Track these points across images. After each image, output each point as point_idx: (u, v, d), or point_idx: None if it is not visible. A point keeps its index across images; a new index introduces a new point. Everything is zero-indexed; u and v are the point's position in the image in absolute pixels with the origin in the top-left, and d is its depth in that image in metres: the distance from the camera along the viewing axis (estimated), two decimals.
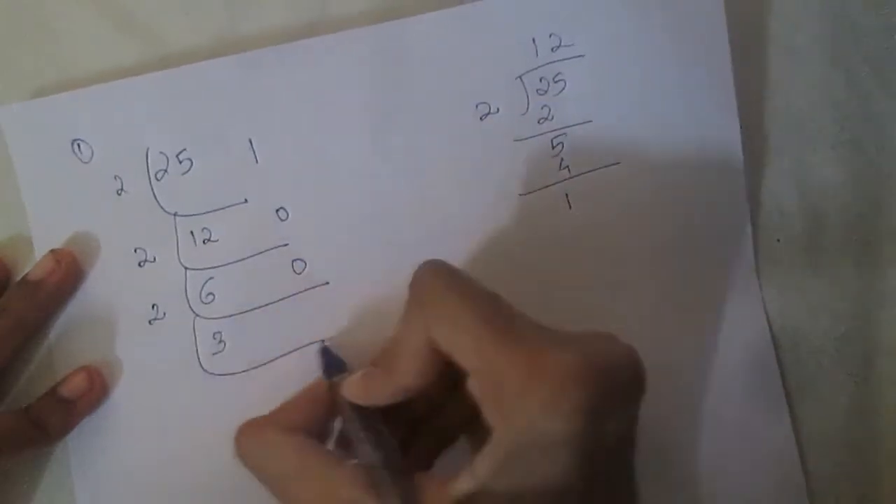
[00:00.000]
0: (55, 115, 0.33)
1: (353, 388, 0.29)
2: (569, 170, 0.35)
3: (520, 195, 0.35)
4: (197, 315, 0.34)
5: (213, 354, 0.34)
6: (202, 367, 0.34)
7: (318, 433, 0.30)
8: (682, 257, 0.36)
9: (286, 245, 0.34)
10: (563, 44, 0.35)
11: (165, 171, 0.34)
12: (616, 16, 0.35)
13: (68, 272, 0.33)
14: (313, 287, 0.34)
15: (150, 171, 0.34)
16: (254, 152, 0.34)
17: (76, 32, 0.35)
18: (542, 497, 0.24)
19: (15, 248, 0.34)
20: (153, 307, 0.34)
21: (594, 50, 0.35)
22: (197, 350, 0.34)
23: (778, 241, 0.37)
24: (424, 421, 0.32)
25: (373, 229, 0.34)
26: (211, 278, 0.34)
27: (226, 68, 0.34)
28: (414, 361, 0.27)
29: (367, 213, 0.34)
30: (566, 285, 0.35)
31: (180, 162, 0.34)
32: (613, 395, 0.25)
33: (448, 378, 0.27)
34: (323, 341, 0.34)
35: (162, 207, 0.34)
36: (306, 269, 0.34)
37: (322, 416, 0.30)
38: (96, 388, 0.33)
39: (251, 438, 0.29)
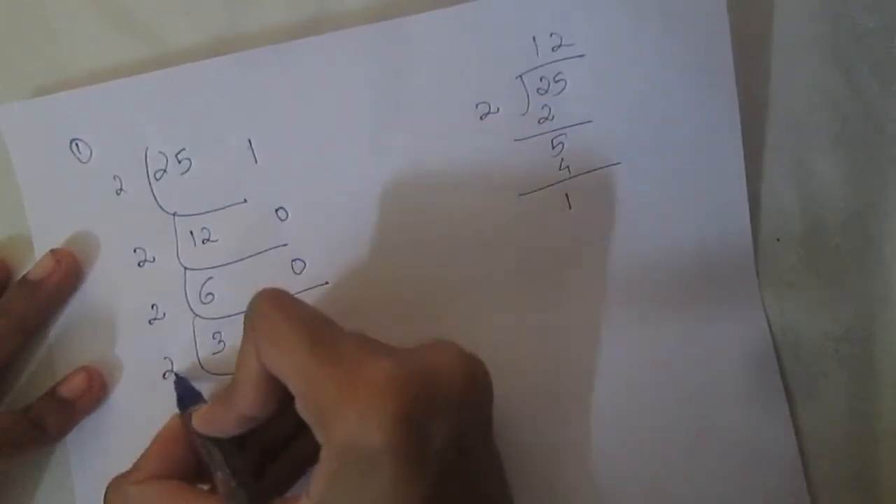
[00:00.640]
0: (54, 114, 0.33)
1: (201, 420, 0.30)
2: (569, 170, 0.35)
3: (520, 195, 0.35)
4: (196, 315, 0.34)
5: (213, 354, 0.34)
6: (202, 367, 0.34)
7: (186, 470, 0.30)
8: (682, 257, 0.36)
9: (285, 245, 0.34)
10: (563, 43, 0.35)
11: (165, 170, 0.34)
12: (617, 15, 0.35)
13: (68, 272, 0.33)
14: (313, 287, 0.34)
15: (150, 170, 0.34)
16: (253, 152, 0.34)
17: (76, 32, 0.35)
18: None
19: (15, 248, 0.34)
20: (153, 307, 0.34)
21: (595, 50, 0.35)
22: (197, 350, 0.34)
23: (778, 240, 0.37)
24: (282, 446, 0.32)
25: (372, 229, 0.34)
26: (210, 278, 0.34)
27: (225, 68, 0.34)
28: (252, 389, 0.27)
29: (367, 213, 0.34)
30: (565, 285, 0.35)
31: (179, 162, 0.34)
32: (433, 401, 0.25)
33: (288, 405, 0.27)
34: (175, 373, 0.34)
35: (161, 207, 0.34)
36: (306, 269, 0.34)
37: (185, 453, 0.30)
38: (96, 388, 0.33)
39: (115, 498, 0.29)
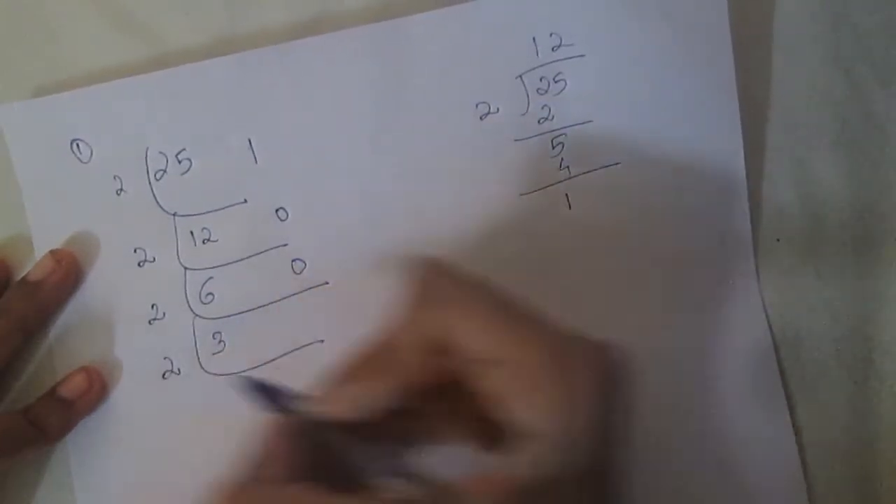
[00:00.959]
0: (55, 114, 0.33)
1: (340, 401, 0.26)
2: (569, 170, 0.35)
3: (520, 195, 0.35)
4: (196, 315, 0.34)
5: (213, 354, 0.34)
6: (202, 367, 0.34)
7: (307, 471, 0.27)
8: (682, 257, 0.36)
9: (285, 245, 0.34)
10: (563, 43, 0.35)
11: (165, 170, 0.34)
12: (617, 15, 0.35)
13: (68, 272, 0.33)
14: (313, 287, 0.34)
15: (150, 170, 0.34)
16: (253, 152, 0.34)
17: (76, 32, 0.35)
18: (572, 487, 0.24)
19: (15, 248, 0.34)
20: (153, 307, 0.34)
21: (595, 50, 0.35)
22: (197, 350, 0.34)
23: (778, 241, 0.37)
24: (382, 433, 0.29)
25: (372, 229, 0.34)
26: (210, 278, 0.34)
27: (225, 68, 0.34)
28: (416, 358, 0.26)
29: (367, 213, 0.34)
30: (566, 285, 0.35)
31: (180, 162, 0.34)
32: (622, 385, 0.26)
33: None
34: (249, 377, 0.29)
35: (161, 207, 0.34)
36: (306, 269, 0.34)
37: (299, 456, 0.27)
38: (95, 388, 0.33)
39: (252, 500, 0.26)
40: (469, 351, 0.25)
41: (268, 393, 0.28)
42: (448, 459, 0.29)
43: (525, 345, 0.25)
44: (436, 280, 0.27)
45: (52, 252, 0.33)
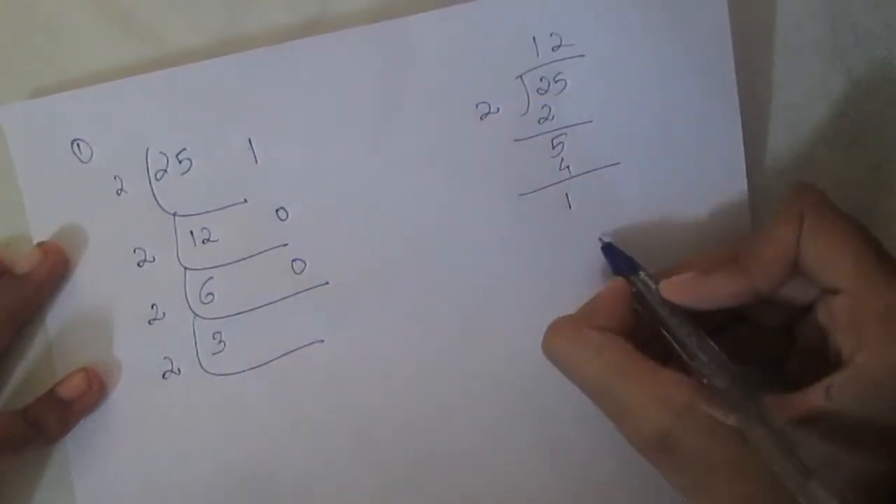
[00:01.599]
0: (55, 114, 0.33)
1: (682, 289, 0.30)
2: (569, 170, 0.35)
3: (520, 195, 0.35)
4: (196, 315, 0.34)
5: (213, 354, 0.34)
6: (202, 367, 0.34)
7: (629, 334, 0.30)
8: (682, 257, 0.36)
9: (286, 245, 0.34)
10: (563, 43, 0.35)
11: (165, 170, 0.34)
12: (617, 15, 0.35)
13: (56, 264, 0.33)
14: (313, 287, 0.34)
15: (150, 170, 0.34)
16: (253, 152, 0.34)
17: (76, 32, 0.35)
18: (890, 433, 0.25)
19: (15, 248, 0.34)
20: (153, 307, 0.34)
21: (595, 50, 0.35)
22: (197, 350, 0.34)
23: None
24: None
25: (372, 229, 0.34)
26: (210, 278, 0.34)
27: (226, 68, 0.34)
28: (777, 267, 0.28)
29: (367, 213, 0.34)
30: (565, 285, 0.35)
31: (180, 162, 0.34)
32: None
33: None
34: (601, 238, 0.35)
35: (161, 207, 0.34)
36: (306, 269, 0.34)
37: (630, 317, 0.30)
38: (94, 388, 0.33)
39: (568, 338, 0.29)
40: (821, 275, 0.27)
41: (614, 260, 0.33)
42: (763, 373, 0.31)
43: (880, 280, 0.26)
44: (820, 201, 0.28)
45: (39, 245, 0.33)
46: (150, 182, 0.34)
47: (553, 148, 0.35)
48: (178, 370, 0.34)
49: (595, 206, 0.36)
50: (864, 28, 0.38)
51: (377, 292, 0.34)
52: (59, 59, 0.35)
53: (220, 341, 0.34)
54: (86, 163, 0.34)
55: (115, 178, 0.34)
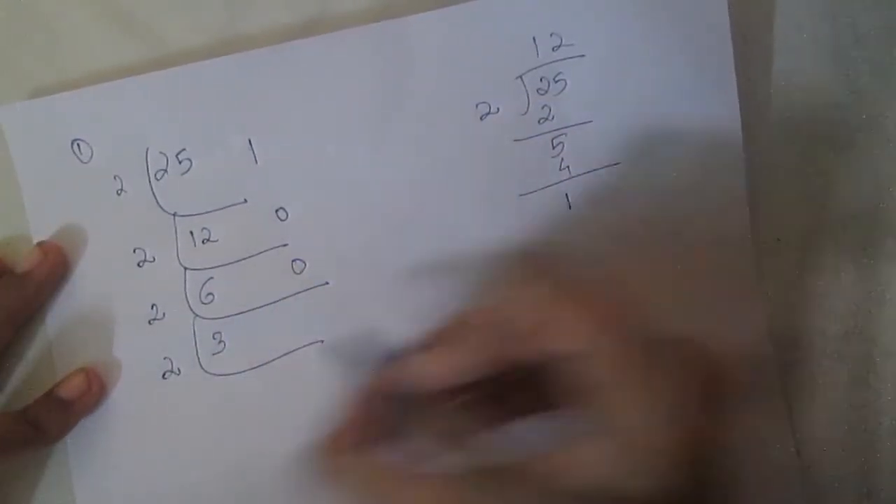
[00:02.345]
0: (55, 114, 0.33)
1: (438, 367, 0.28)
2: (569, 170, 0.35)
3: (520, 195, 0.35)
4: (196, 315, 0.34)
5: (213, 354, 0.34)
6: (202, 367, 0.34)
7: (389, 433, 0.29)
8: (682, 257, 0.36)
9: (286, 245, 0.34)
10: (563, 43, 0.35)
11: (165, 170, 0.34)
12: (617, 15, 0.35)
13: (55, 264, 0.33)
14: (313, 287, 0.34)
15: (150, 170, 0.34)
16: (253, 152, 0.34)
17: (76, 32, 0.35)
18: (649, 495, 0.24)
19: (15, 248, 0.34)
20: (152, 307, 0.34)
21: (595, 50, 0.35)
22: (197, 350, 0.34)
23: (778, 240, 0.37)
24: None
25: (372, 229, 0.34)
26: (210, 278, 0.34)
27: (226, 68, 0.34)
28: (497, 341, 0.27)
29: (367, 213, 0.34)
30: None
31: (180, 162, 0.34)
32: (721, 399, 0.25)
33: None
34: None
35: (161, 207, 0.34)
36: (306, 269, 0.34)
37: (387, 415, 0.30)
38: (94, 388, 0.33)
39: (336, 465, 0.29)
40: (557, 339, 0.26)
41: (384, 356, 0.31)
42: (514, 439, 0.30)
43: (615, 339, 0.25)
44: (537, 269, 0.28)
45: (38, 244, 0.33)
46: (150, 182, 0.34)
47: (553, 148, 0.35)
48: (178, 370, 0.34)
49: (595, 206, 0.36)
50: (864, 28, 0.38)
51: (377, 292, 0.34)
52: (59, 59, 0.35)
53: (220, 341, 0.34)
54: (86, 163, 0.34)
55: (115, 178, 0.34)
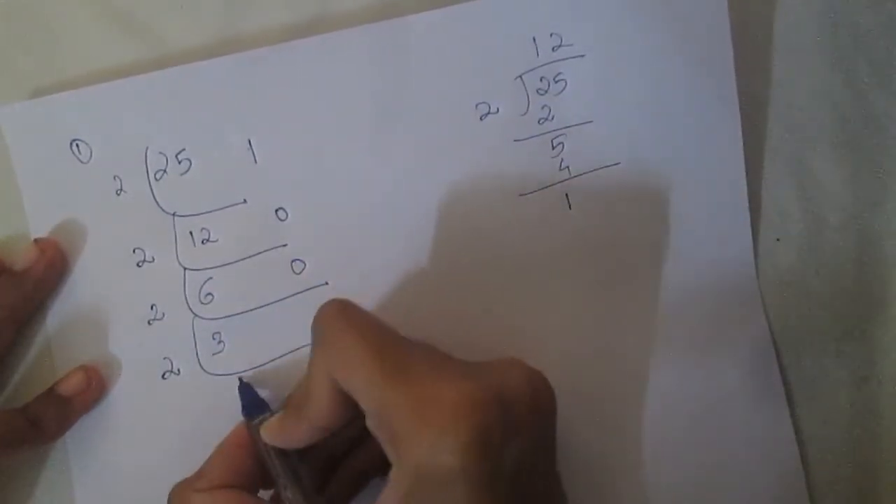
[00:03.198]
0: (55, 114, 0.33)
1: (270, 433, 0.29)
2: (569, 170, 0.35)
3: (520, 195, 0.35)
4: (196, 315, 0.34)
5: (213, 355, 0.34)
6: (202, 368, 0.34)
7: (248, 479, 0.30)
8: (682, 257, 0.36)
9: (285, 245, 0.34)
10: (563, 43, 0.35)
11: (164, 171, 0.34)
12: (617, 15, 0.35)
13: (53, 261, 0.33)
14: (313, 287, 0.34)
15: (150, 171, 0.34)
16: (253, 152, 0.34)
17: (76, 32, 0.35)
18: None
19: (14, 247, 0.34)
20: (152, 307, 0.34)
21: (595, 50, 0.35)
22: (196, 350, 0.34)
23: (778, 240, 0.37)
24: (342, 459, 0.32)
25: (372, 229, 0.34)
26: (210, 278, 0.34)
27: (225, 68, 0.34)
28: (324, 402, 0.27)
29: (367, 214, 0.34)
30: (565, 285, 0.35)
31: (179, 162, 0.34)
32: (507, 424, 0.25)
33: (358, 416, 0.27)
34: (240, 378, 0.33)
35: (161, 207, 0.34)
36: (305, 270, 0.34)
37: (249, 462, 0.30)
38: (94, 386, 0.33)
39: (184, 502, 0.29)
40: (353, 396, 0.26)
41: (243, 400, 0.32)
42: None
43: (385, 395, 0.25)
44: (336, 329, 0.27)
45: (35, 241, 0.33)
46: (149, 182, 0.34)
47: (553, 148, 0.35)
48: (178, 370, 0.34)
49: (595, 206, 0.36)
50: (864, 28, 0.38)
51: (377, 292, 0.34)
52: (59, 59, 0.35)
53: (220, 341, 0.34)
54: (85, 163, 0.34)
55: (114, 178, 0.34)
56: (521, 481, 0.25)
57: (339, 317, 0.27)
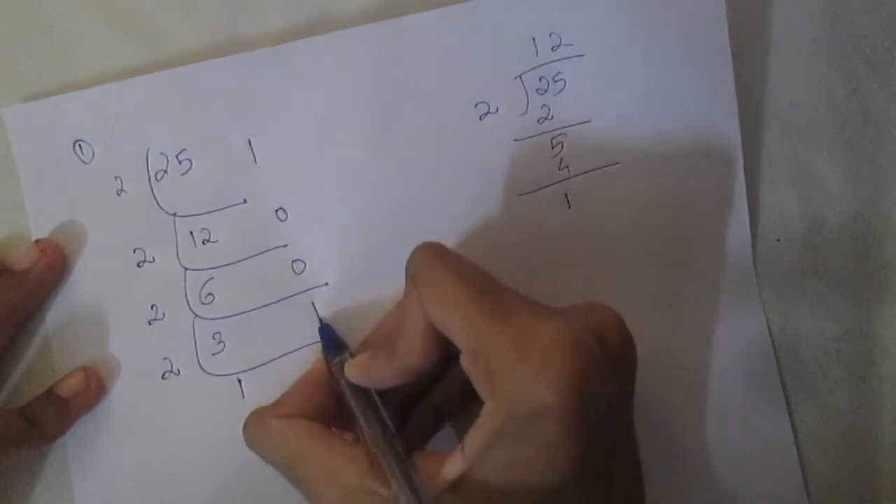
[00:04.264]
0: (57, 116, 0.33)
1: (357, 371, 0.30)
2: (568, 170, 0.35)
3: (519, 195, 0.35)
4: (196, 315, 0.34)
5: (213, 355, 0.34)
6: (202, 368, 0.34)
7: (323, 414, 0.30)
8: (682, 257, 0.36)
9: (285, 246, 0.34)
10: (563, 43, 0.35)
11: (165, 171, 0.34)
12: (616, 15, 0.35)
13: (53, 261, 0.33)
14: (313, 287, 0.34)
15: (150, 171, 0.34)
16: (253, 153, 0.34)
17: (76, 34, 0.35)
18: (533, 467, 0.25)
19: (15, 247, 0.34)
20: (152, 308, 0.34)
21: (594, 49, 0.35)
22: (196, 350, 0.34)
23: (778, 240, 0.37)
24: (419, 399, 0.32)
25: (372, 229, 0.34)
26: (210, 279, 0.34)
27: (225, 69, 0.34)
28: (417, 342, 0.27)
29: (367, 214, 0.34)
30: (565, 285, 0.35)
31: (180, 162, 0.34)
32: (602, 365, 0.25)
33: (445, 357, 0.27)
34: (321, 319, 0.34)
35: (161, 208, 0.34)
36: (306, 270, 0.34)
37: (325, 398, 0.31)
38: (93, 387, 0.33)
39: (255, 429, 0.30)
40: (449, 335, 0.26)
41: (324, 340, 0.33)
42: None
43: (483, 333, 0.25)
44: (425, 265, 0.27)
45: (36, 241, 0.33)
46: (150, 182, 0.34)
47: (552, 148, 0.35)
48: (178, 371, 0.34)
49: (595, 206, 0.36)
50: (864, 28, 0.38)
51: (377, 292, 0.34)
52: (60, 60, 0.35)
53: (220, 342, 0.34)
54: (87, 163, 0.34)
55: (115, 178, 0.34)
56: (608, 422, 0.26)
57: (434, 259, 0.28)
